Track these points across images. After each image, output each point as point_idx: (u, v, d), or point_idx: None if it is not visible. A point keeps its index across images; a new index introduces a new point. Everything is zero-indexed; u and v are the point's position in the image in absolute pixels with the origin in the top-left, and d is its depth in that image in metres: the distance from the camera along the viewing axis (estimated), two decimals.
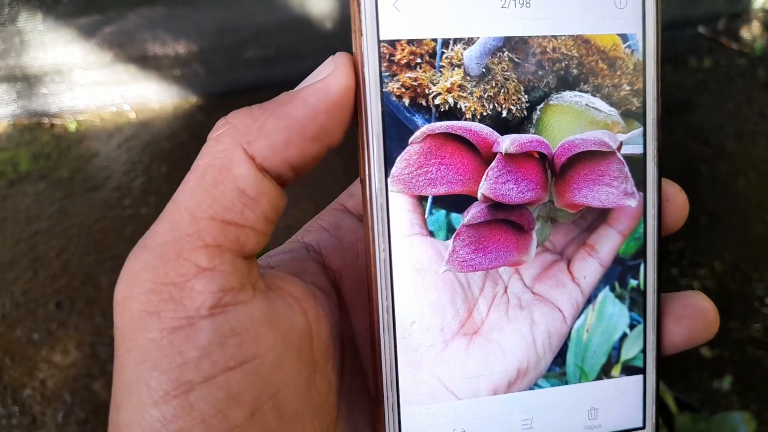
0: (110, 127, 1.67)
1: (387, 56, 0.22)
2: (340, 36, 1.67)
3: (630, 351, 0.25)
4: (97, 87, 1.67)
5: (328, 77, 0.21)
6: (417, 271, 0.22)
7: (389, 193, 0.22)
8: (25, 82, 1.61)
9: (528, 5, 0.22)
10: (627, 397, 0.25)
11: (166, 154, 1.59)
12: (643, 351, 0.25)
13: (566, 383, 0.24)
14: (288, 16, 1.68)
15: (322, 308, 0.23)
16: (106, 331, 1.20)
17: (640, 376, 0.25)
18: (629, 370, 0.25)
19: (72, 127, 1.66)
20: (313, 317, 0.22)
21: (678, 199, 0.25)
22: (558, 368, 0.24)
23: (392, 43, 0.22)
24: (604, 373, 0.25)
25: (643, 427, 0.25)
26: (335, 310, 0.24)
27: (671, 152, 1.64)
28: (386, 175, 0.22)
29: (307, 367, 0.21)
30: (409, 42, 0.22)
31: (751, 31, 2.15)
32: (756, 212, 1.44)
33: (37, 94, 1.64)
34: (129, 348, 0.18)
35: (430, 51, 0.22)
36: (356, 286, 0.25)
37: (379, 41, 0.21)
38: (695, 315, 0.25)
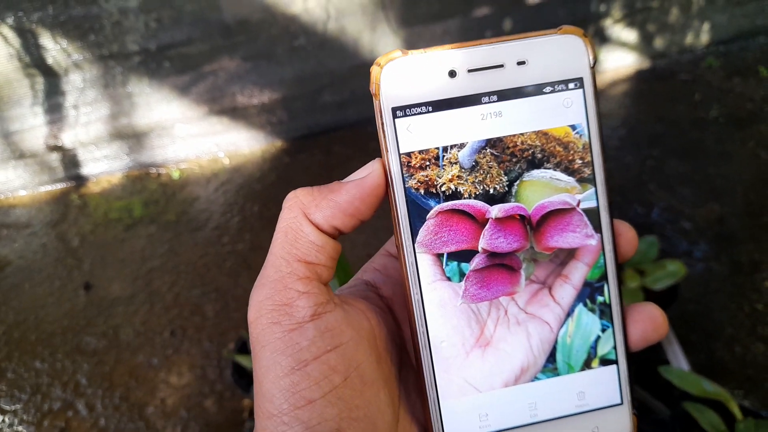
0: (208, 174, 1.75)
1: (406, 163, 0.28)
2: None
3: (604, 348, 0.29)
4: (195, 138, 1.76)
5: (365, 177, 0.27)
6: (442, 306, 0.28)
7: (417, 254, 0.28)
8: (135, 138, 1.71)
9: (500, 115, 0.28)
10: (606, 382, 0.29)
11: (257, 195, 1.66)
12: (614, 347, 0.29)
13: (558, 375, 0.29)
14: (359, 61, 1.71)
15: (381, 318, 0.29)
16: (213, 354, 1.26)
17: (614, 366, 0.30)
18: (605, 362, 0.29)
19: (175, 175, 1.75)
20: (375, 323, 0.28)
21: (628, 234, 0.30)
22: (551, 365, 0.29)
23: (409, 154, 0.28)
24: (586, 365, 0.29)
25: (621, 403, 0.30)
26: (391, 321, 0.30)
27: (743, 164, 1.55)
28: (413, 242, 0.28)
29: (374, 353, 0.28)
30: (420, 152, 0.28)
31: None
32: None
33: (145, 148, 1.74)
34: (263, 345, 0.26)
35: (435, 156, 0.28)
36: (403, 309, 0.31)
37: (400, 154, 0.28)
38: (647, 320, 0.29)
